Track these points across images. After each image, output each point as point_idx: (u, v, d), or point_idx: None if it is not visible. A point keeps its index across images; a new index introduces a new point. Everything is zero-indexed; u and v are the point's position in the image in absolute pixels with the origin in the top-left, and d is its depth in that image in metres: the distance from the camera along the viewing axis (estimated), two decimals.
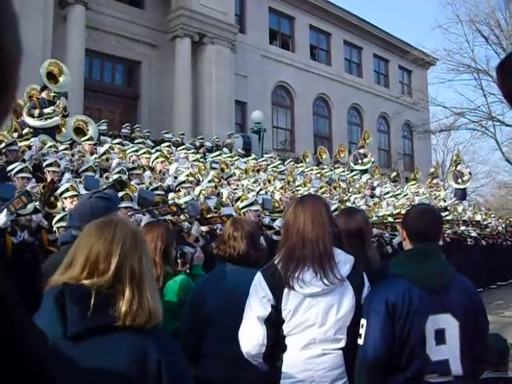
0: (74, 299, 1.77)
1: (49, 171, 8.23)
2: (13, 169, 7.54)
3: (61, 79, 12.47)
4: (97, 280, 1.79)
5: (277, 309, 2.56)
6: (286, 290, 2.56)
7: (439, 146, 42.51)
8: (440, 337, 2.52)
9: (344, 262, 2.63)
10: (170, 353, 1.80)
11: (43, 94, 11.95)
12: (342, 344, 2.56)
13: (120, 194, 7.08)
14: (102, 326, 1.74)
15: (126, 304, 1.76)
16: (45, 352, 0.81)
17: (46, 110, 11.48)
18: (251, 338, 2.61)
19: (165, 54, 21.84)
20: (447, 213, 14.10)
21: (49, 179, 7.80)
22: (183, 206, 7.71)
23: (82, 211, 3.25)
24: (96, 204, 3.15)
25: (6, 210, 5.36)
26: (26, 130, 11.58)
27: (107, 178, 8.67)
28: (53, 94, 12.02)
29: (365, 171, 19.75)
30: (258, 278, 2.66)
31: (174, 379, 1.75)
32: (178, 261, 4.01)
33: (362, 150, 20.79)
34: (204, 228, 7.55)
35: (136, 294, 1.78)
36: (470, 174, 20.68)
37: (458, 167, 20.22)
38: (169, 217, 7.05)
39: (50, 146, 9.94)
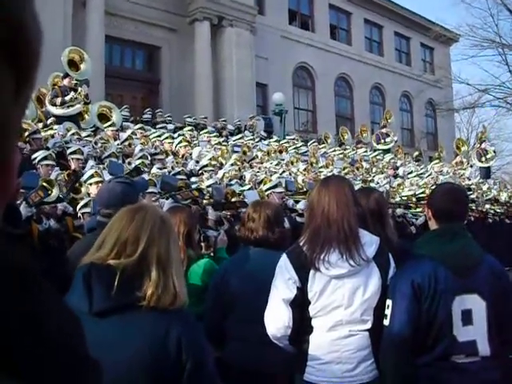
0: (100, 277, 1.88)
1: (72, 159, 8.28)
2: (37, 157, 7.60)
3: (82, 66, 12.48)
4: (123, 261, 1.89)
5: (302, 291, 2.56)
6: (311, 272, 2.55)
7: (463, 123, 42.01)
8: (467, 317, 2.50)
9: (370, 242, 2.61)
10: (191, 333, 1.89)
11: (65, 82, 11.99)
12: (369, 325, 2.56)
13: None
14: (125, 305, 1.84)
15: (152, 286, 1.84)
16: (74, 329, 0.81)
17: (68, 98, 11.53)
18: (277, 320, 2.62)
19: (184, 38, 21.75)
20: (470, 192, 13.90)
21: (73, 167, 7.85)
22: (207, 190, 7.73)
23: (101, 196, 3.32)
24: (114, 189, 3.19)
25: (24, 202, 5.42)
26: (50, 120, 11.65)
27: (129, 163, 8.70)
28: (74, 82, 12.06)
29: (387, 151, 19.59)
30: (284, 260, 2.65)
31: (194, 358, 1.84)
32: (202, 244, 4.03)
33: (384, 130, 20.62)
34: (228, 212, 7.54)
35: (162, 277, 1.87)
36: (494, 152, 20.35)
37: (483, 145, 19.90)
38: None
39: (73, 134, 9.99)
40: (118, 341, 1.82)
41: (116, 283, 1.83)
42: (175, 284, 1.89)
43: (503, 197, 16.09)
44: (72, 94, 11.61)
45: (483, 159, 19.46)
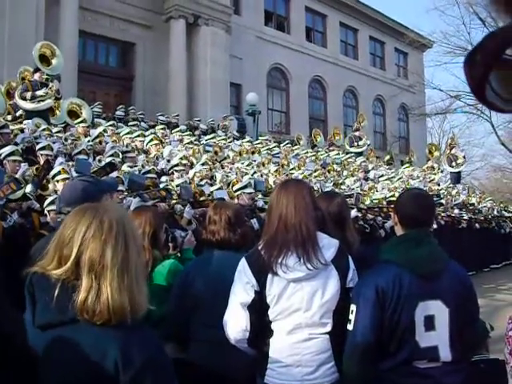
0: (40, 289, 1.74)
1: (42, 154, 8.17)
2: (3, 152, 7.47)
3: (53, 61, 12.32)
4: (62, 269, 1.69)
5: (261, 294, 2.56)
6: (269, 276, 2.55)
7: (435, 128, 42.57)
8: (429, 323, 2.50)
9: (328, 245, 2.61)
10: (132, 353, 1.64)
11: (36, 77, 11.84)
12: (329, 328, 2.56)
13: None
14: (63, 320, 1.66)
15: (82, 296, 1.64)
16: (20, 333, 0.83)
17: (39, 93, 11.37)
18: (235, 323, 2.62)
19: (159, 36, 21.63)
20: (438, 198, 14.03)
21: (42, 162, 7.74)
22: (176, 189, 7.68)
23: (64, 194, 3.27)
24: (75, 186, 3.13)
25: None
26: (19, 113, 11.49)
27: (100, 160, 8.61)
28: (45, 77, 11.90)
29: (360, 154, 19.76)
30: (243, 264, 2.65)
31: (135, 381, 1.62)
32: (170, 244, 3.99)
33: (357, 133, 20.78)
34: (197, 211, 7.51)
35: (93, 286, 1.65)
36: (464, 157, 20.64)
37: (453, 150, 20.18)
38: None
39: (44, 129, 9.86)
40: (56, 357, 1.65)
41: (55, 295, 1.65)
42: (109, 294, 1.64)
43: (472, 201, 16.33)
44: (43, 90, 11.44)
45: (453, 164, 19.72)
